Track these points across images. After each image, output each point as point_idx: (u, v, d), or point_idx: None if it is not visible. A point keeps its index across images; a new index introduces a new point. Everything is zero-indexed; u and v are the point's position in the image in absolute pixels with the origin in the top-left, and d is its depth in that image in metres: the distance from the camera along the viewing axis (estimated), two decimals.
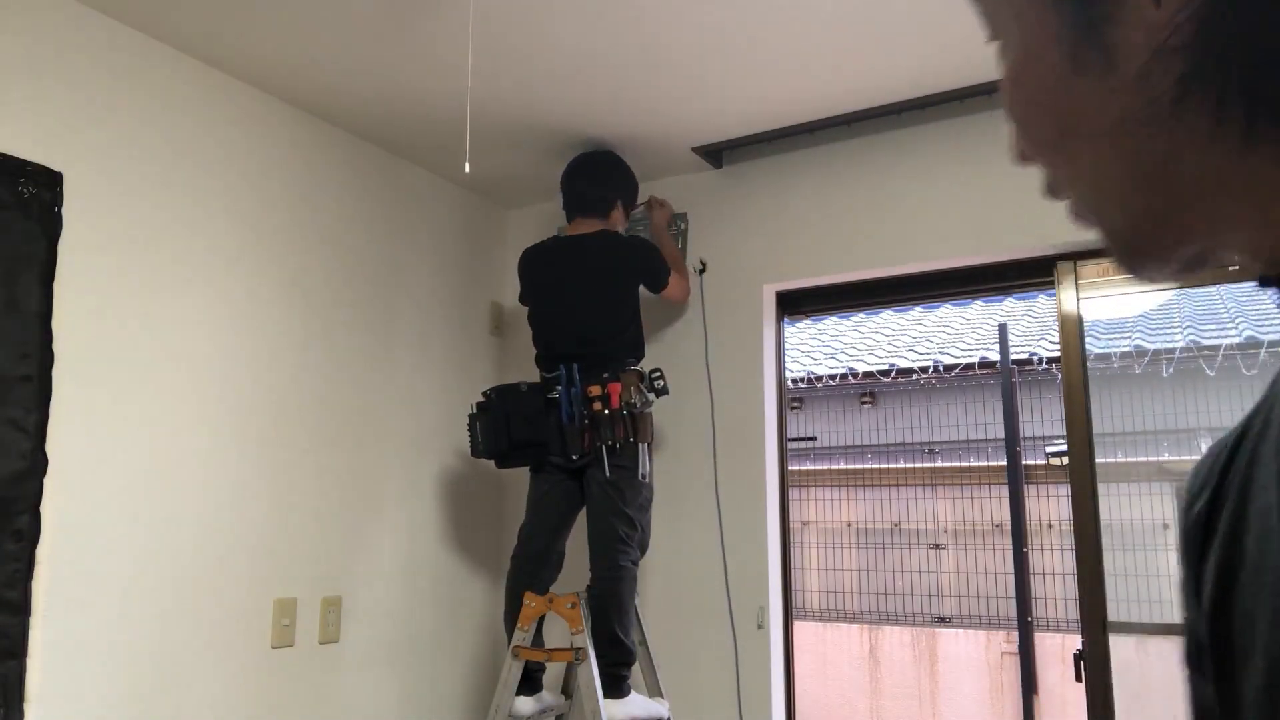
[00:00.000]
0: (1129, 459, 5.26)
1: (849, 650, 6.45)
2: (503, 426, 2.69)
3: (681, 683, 2.88)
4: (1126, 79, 0.40)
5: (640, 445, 2.58)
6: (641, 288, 2.81)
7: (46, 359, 2.07)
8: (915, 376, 6.51)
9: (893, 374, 6.59)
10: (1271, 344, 4.95)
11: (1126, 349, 5.38)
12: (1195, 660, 0.51)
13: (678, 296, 2.92)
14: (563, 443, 2.60)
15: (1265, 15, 0.36)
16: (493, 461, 2.80)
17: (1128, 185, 0.42)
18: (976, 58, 2.45)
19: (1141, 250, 0.43)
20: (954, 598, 6.45)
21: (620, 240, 2.79)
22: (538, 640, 2.64)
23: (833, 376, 6.76)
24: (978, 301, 7.38)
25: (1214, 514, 0.49)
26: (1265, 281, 0.44)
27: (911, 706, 6.20)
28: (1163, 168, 0.40)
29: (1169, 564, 5.04)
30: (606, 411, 2.56)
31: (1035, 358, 5.97)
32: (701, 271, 3.11)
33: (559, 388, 2.61)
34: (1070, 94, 0.41)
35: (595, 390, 2.58)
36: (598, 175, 2.88)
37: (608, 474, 2.56)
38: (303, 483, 2.65)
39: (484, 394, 2.77)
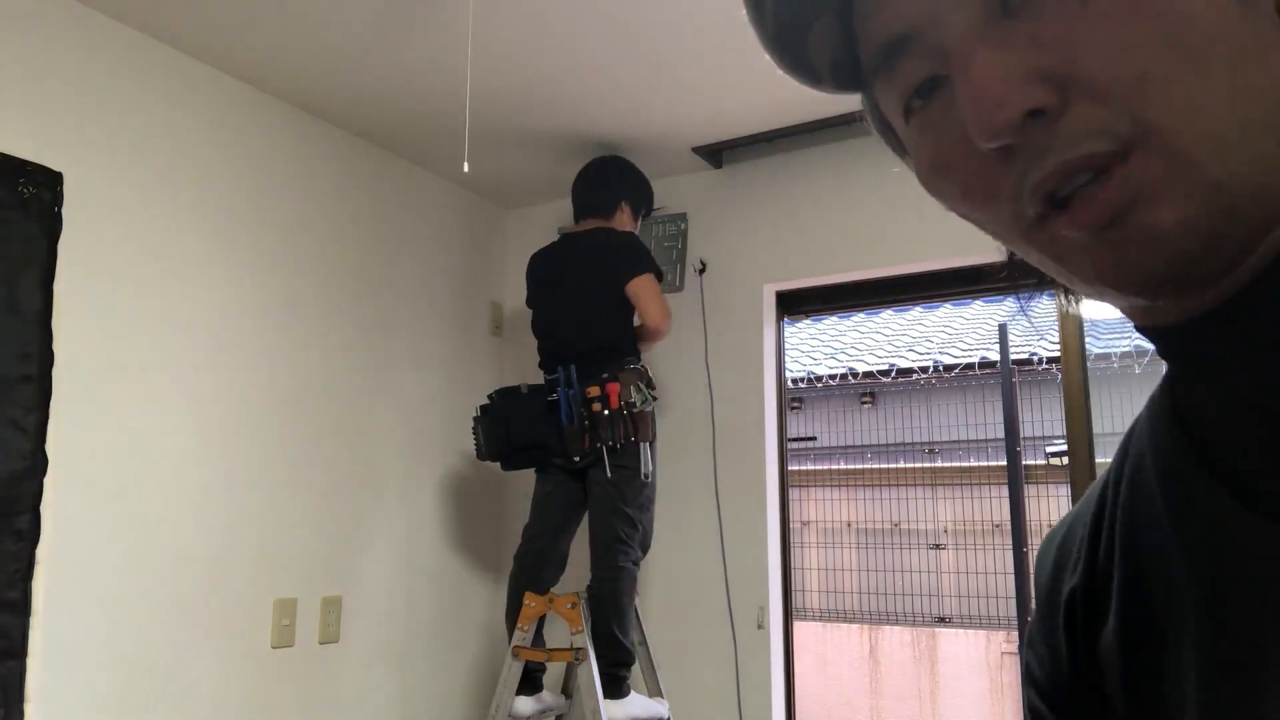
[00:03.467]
0: None
1: (849, 650, 6.45)
2: (504, 429, 2.68)
3: (681, 683, 2.88)
4: None
5: (642, 445, 2.58)
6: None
7: (46, 359, 2.07)
8: (915, 376, 6.51)
9: (893, 374, 6.59)
10: None
11: (1126, 349, 5.38)
12: None
13: (651, 306, 2.62)
14: (563, 444, 2.60)
15: None
16: (498, 463, 2.80)
17: (1263, 112, 0.34)
18: None
19: (1226, 233, 0.35)
20: (954, 598, 6.45)
21: (611, 235, 2.72)
22: (538, 640, 2.64)
23: (833, 376, 6.76)
24: (978, 301, 7.38)
25: (1095, 588, 0.47)
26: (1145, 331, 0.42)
27: (912, 706, 6.20)
28: None
29: None
30: (606, 412, 2.56)
31: (1035, 358, 5.97)
32: (701, 271, 3.11)
33: (559, 389, 2.61)
34: (1211, 5, 0.35)
35: (594, 391, 2.57)
36: (602, 177, 2.85)
37: (609, 474, 2.56)
38: (303, 482, 2.65)
39: (489, 396, 2.77)
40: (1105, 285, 0.38)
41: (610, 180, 2.85)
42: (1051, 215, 0.37)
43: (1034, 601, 0.53)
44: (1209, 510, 0.40)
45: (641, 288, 2.62)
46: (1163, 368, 0.45)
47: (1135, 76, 0.34)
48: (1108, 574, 0.46)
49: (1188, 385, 0.43)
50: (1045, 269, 0.41)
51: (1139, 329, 0.43)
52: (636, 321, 2.69)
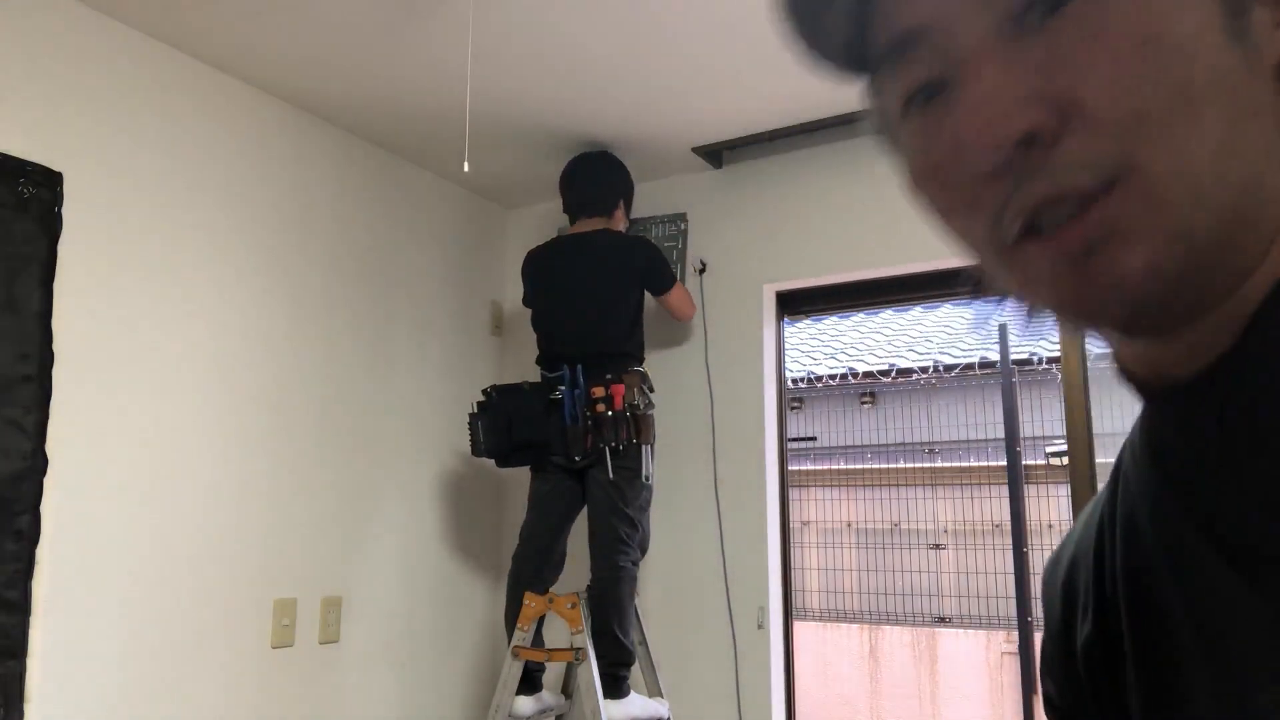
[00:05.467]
0: None
1: (849, 650, 6.45)
2: (504, 426, 2.68)
3: (681, 683, 2.88)
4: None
5: (643, 446, 2.58)
6: (646, 294, 2.79)
7: (46, 359, 2.07)
8: (915, 376, 6.51)
9: (893, 374, 6.59)
10: None
11: None
12: None
13: (683, 309, 2.88)
14: (565, 444, 2.60)
15: None
16: (493, 461, 2.80)
17: (1244, 168, 0.36)
18: None
19: (1188, 281, 0.37)
20: (954, 598, 6.45)
21: (624, 239, 2.78)
22: (538, 640, 2.64)
23: (833, 376, 6.76)
24: (978, 301, 7.37)
25: (1108, 639, 0.47)
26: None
27: (911, 706, 6.20)
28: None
29: None
30: (610, 413, 2.56)
31: (1035, 358, 5.97)
32: (701, 271, 3.11)
33: (561, 388, 2.61)
34: (1219, 54, 0.36)
35: (599, 391, 2.57)
36: (599, 175, 2.87)
37: (610, 475, 2.56)
38: (303, 482, 2.65)
39: (484, 392, 2.76)
40: (1064, 316, 0.39)
41: (606, 179, 2.87)
42: (1028, 239, 0.38)
43: (1043, 623, 0.54)
44: (1204, 569, 0.41)
45: (674, 297, 2.83)
46: None
47: (1134, 112, 0.35)
48: (1118, 629, 0.47)
49: (1163, 431, 0.44)
50: (1011, 291, 0.42)
51: (1117, 373, 0.44)
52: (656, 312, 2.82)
